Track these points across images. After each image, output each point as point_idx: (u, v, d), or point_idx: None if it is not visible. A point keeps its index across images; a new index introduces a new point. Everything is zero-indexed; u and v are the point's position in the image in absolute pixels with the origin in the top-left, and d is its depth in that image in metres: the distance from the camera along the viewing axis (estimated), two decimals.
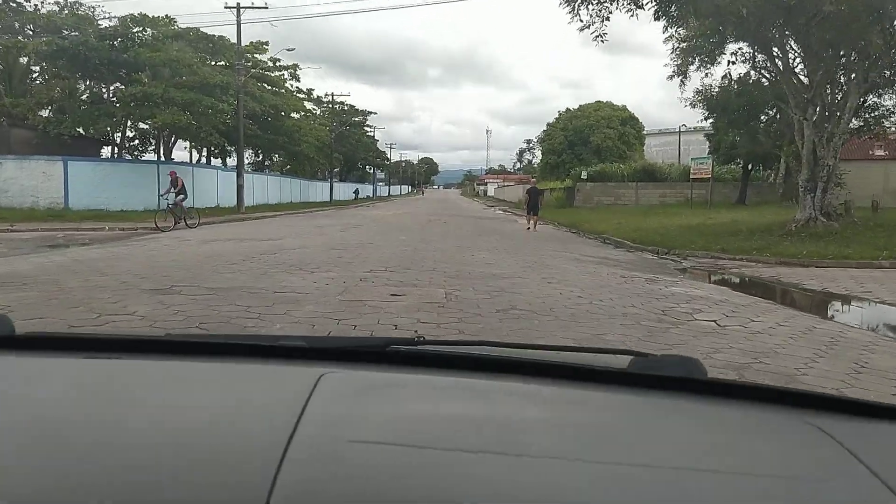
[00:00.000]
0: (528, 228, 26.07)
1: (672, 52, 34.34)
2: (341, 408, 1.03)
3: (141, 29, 30.40)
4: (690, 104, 35.36)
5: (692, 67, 33.80)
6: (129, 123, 35.00)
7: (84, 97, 30.59)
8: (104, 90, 30.48)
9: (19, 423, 0.98)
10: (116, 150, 33.93)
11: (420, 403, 1.10)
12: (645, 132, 69.39)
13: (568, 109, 70.49)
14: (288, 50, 37.93)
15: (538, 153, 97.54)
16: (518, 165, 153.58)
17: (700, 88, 34.58)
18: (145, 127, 39.58)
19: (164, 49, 32.24)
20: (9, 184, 28.79)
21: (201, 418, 1.01)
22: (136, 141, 41.46)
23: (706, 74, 34.53)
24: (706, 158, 38.13)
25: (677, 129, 72.41)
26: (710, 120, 37.57)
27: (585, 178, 45.83)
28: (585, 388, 1.18)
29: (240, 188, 35.48)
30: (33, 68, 35.65)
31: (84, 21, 29.57)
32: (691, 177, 38.25)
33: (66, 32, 29.74)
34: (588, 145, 63.51)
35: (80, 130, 34.33)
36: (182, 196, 23.92)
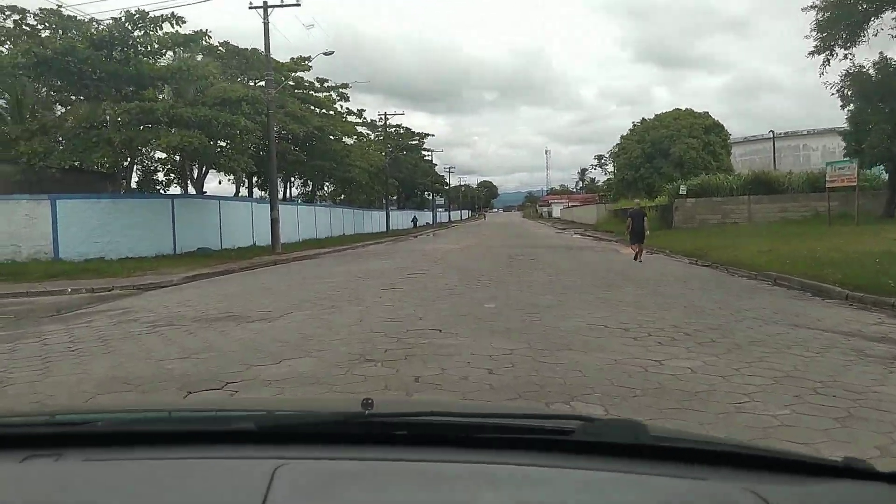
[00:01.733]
0: (636, 259, 19.91)
1: (814, 23, 26.23)
2: None
3: (142, 33, 23.76)
4: (838, 91, 27.03)
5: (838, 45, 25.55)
6: (143, 151, 28.44)
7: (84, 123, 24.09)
8: (106, 112, 23.88)
9: None
10: (125, 184, 27.38)
11: (376, 496, 1.05)
12: (730, 140, 60.56)
13: (644, 120, 62.30)
14: (325, 54, 30.70)
15: (610, 168, 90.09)
16: (580, 184, 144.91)
17: (850, 70, 26.22)
18: (164, 155, 33.12)
19: (185, 61, 25.59)
20: None
21: None
22: (162, 173, 34.83)
23: (846, 56, 26.22)
24: (847, 162, 29.44)
25: (767, 135, 63.18)
26: (850, 111, 29.04)
27: (685, 192, 37.49)
28: (536, 460, 1.16)
29: (274, 223, 28.46)
30: (52, 94, 29.55)
31: (71, 24, 23.02)
32: (827, 185, 29.58)
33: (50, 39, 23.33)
34: (668, 157, 55.18)
35: (99, 165, 28.07)
36: None
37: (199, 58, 29.60)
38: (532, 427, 1.30)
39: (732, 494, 1.06)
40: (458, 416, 1.42)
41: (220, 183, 41.06)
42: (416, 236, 49.97)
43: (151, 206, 25.88)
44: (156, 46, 24.92)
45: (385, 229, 54.90)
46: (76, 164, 24.18)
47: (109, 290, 16.20)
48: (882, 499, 1.12)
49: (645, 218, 22.25)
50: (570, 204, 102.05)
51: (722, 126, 59.30)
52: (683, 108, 61.70)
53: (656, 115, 61.31)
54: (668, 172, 54.46)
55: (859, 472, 1.15)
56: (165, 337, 8.63)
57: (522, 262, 19.61)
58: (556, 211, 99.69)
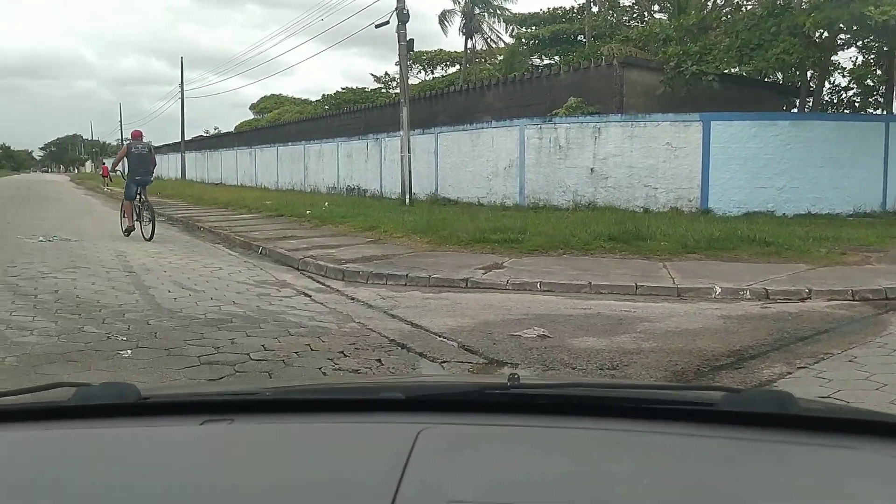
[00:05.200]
0: None
1: None
2: (440, 465, 1.00)
3: None
4: None
5: None
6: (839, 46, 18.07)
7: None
8: None
9: (147, 491, 0.98)
10: (812, 101, 17.70)
11: (515, 457, 1.07)
12: None
13: None
14: None
15: None
16: None
17: None
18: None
19: None
20: (609, 165, 16.05)
21: (306, 482, 1.01)
22: (855, 89, 23.13)
23: None
24: None
25: None
26: None
27: None
28: (676, 429, 1.13)
29: None
30: None
31: None
32: None
33: None
34: None
35: (774, 71, 19.33)
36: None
37: None
38: (674, 399, 1.28)
39: (882, 463, 1.03)
40: (600, 387, 1.45)
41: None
42: None
43: (850, 132, 15.63)
44: None
45: None
46: (740, 70, 15.79)
47: (802, 299, 7.33)
48: None
49: None
50: None
51: None
52: None
53: None
54: None
55: None
56: None
57: None
58: None
